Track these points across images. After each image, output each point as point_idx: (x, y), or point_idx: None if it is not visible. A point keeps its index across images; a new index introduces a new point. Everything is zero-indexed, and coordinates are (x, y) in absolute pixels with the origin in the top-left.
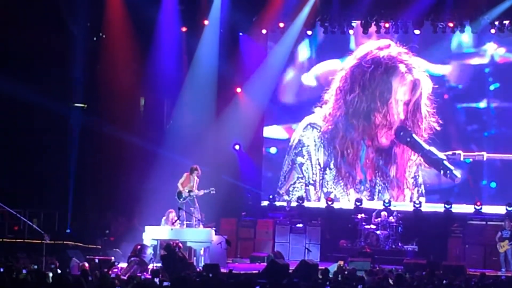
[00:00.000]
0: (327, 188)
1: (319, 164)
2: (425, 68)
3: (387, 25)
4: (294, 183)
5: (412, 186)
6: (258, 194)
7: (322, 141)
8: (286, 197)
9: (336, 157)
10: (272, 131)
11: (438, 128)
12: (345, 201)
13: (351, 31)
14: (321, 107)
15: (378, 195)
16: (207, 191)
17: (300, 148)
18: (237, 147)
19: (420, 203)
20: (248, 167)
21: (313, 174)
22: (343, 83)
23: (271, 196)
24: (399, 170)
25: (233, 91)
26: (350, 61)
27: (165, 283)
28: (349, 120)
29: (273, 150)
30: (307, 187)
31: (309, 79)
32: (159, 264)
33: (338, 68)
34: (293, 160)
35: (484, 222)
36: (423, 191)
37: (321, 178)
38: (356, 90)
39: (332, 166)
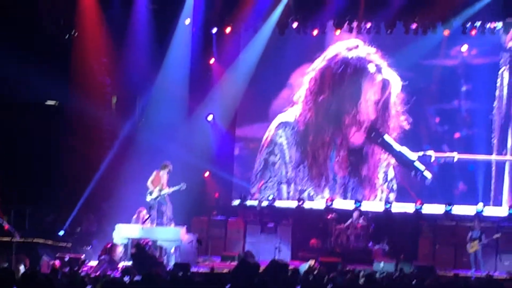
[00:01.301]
0: (301, 186)
1: (292, 162)
2: (397, 69)
3: (359, 25)
4: (266, 182)
5: (383, 185)
6: (229, 191)
7: (295, 138)
8: (258, 195)
9: (308, 157)
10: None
11: (407, 127)
12: (319, 198)
13: (323, 32)
14: (291, 107)
15: (351, 193)
16: (177, 187)
17: (272, 147)
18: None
19: (390, 203)
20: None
21: (286, 172)
22: (312, 84)
23: (242, 195)
24: (370, 170)
25: (206, 89)
26: (319, 62)
27: (137, 277)
28: (320, 122)
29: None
30: (280, 186)
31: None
32: (129, 263)
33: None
34: (266, 159)
35: (454, 223)
36: (394, 190)
37: (293, 176)
38: (325, 91)
39: (305, 164)
